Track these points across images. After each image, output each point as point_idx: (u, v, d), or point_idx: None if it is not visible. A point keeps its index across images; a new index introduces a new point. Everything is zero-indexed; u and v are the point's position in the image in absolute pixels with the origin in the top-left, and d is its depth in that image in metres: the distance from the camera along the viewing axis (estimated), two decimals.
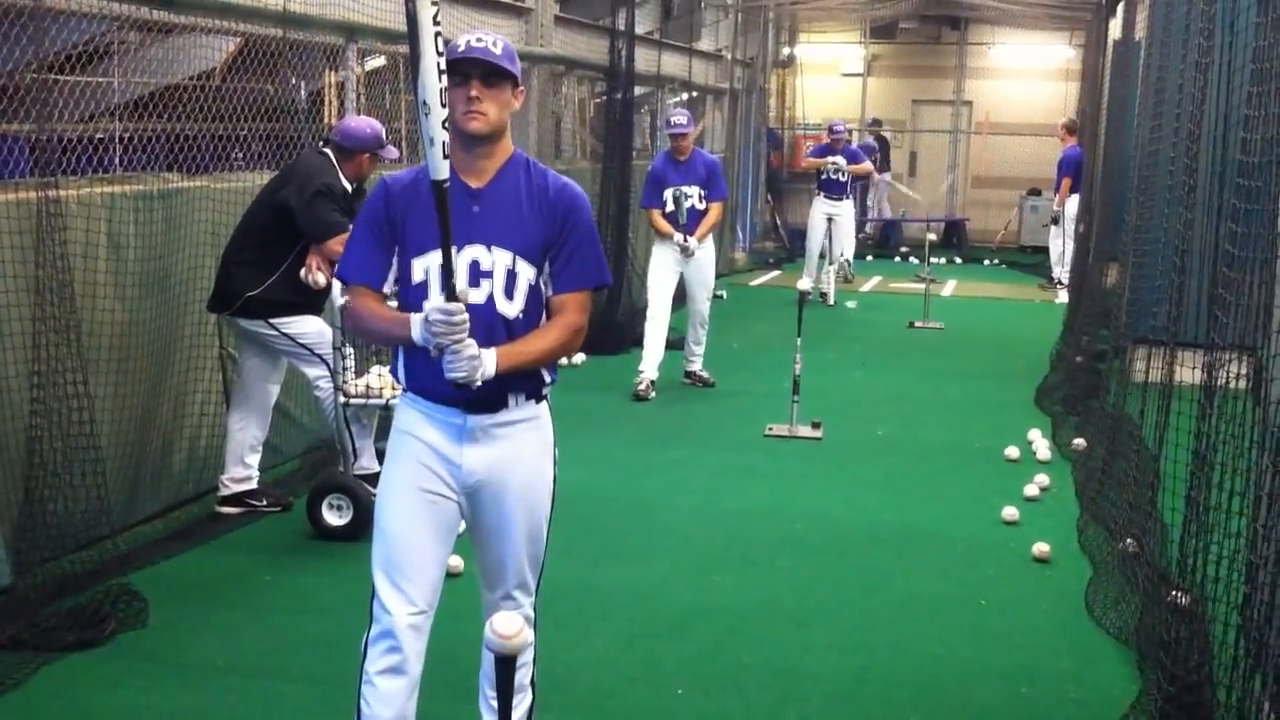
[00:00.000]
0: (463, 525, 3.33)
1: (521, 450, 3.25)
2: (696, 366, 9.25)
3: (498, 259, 3.17)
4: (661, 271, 9.00)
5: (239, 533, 5.80)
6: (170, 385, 5.91)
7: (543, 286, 3.24)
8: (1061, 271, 14.96)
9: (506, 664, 2.43)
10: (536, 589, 3.42)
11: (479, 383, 3.05)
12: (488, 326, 3.13)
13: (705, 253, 9.00)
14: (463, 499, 3.24)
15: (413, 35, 2.83)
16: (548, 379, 3.29)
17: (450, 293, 3.00)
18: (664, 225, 8.88)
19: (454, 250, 3.10)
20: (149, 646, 4.54)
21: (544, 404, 3.32)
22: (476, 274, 3.16)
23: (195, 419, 6.12)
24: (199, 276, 5.99)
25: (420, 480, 3.21)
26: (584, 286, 3.27)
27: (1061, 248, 15.04)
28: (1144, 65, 8.97)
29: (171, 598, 4.93)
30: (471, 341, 3.01)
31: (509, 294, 3.18)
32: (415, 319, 3.08)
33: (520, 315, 3.19)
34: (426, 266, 3.17)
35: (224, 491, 5.98)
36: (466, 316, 2.99)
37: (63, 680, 4.23)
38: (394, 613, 3.15)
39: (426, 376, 3.16)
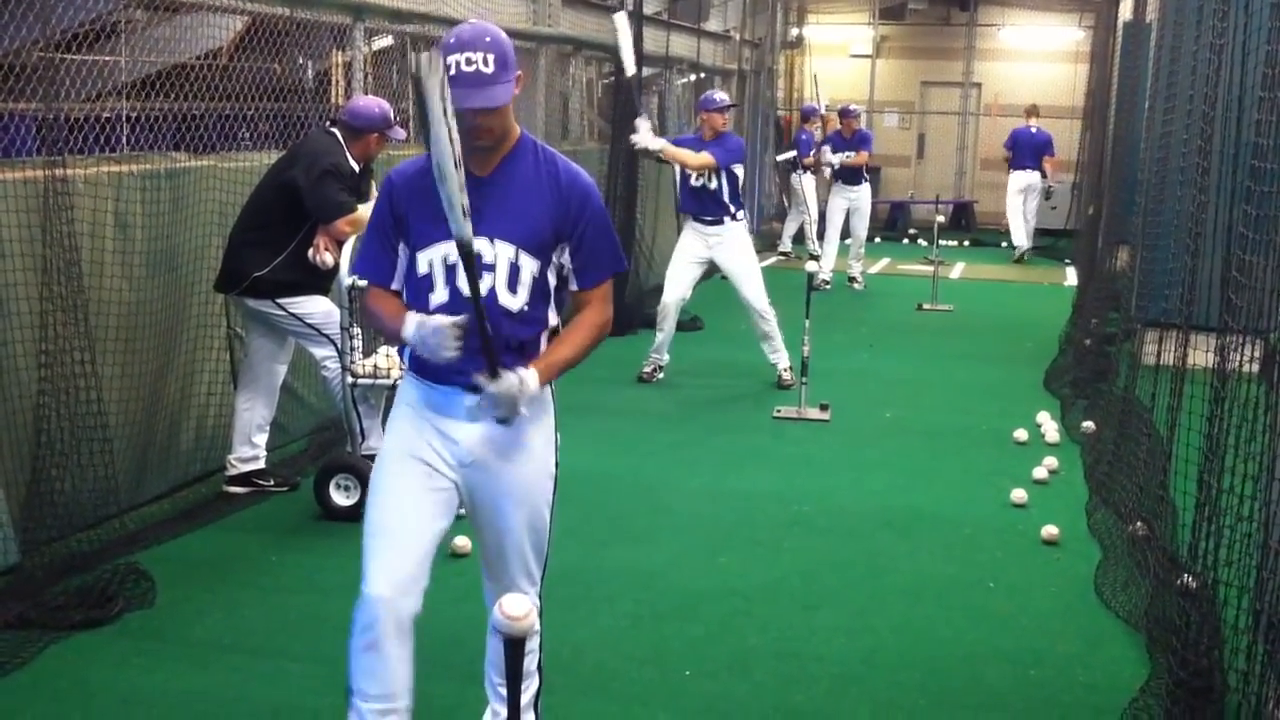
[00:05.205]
0: (464, 509, 3.31)
1: (522, 434, 3.20)
2: (780, 366, 8.65)
3: (500, 252, 3.12)
4: (681, 261, 8.68)
5: (246, 512, 5.80)
6: (177, 365, 5.91)
7: (549, 276, 3.19)
8: (1024, 239, 16.37)
9: (516, 646, 2.42)
10: (541, 577, 3.38)
11: (523, 412, 3.06)
12: (490, 320, 3.06)
13: (732, 236, 8.56)
14: (460, 478, 3.21)
15: (420, 101, 2.76)
16: None
17: (492, 370, 2.98)
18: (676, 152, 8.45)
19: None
20: (156, 626, 4.54)
21: (547, 390, 3.26)
22: (479, 266, 3.08)
23: (202, 399, 6.12)
24: (206, 256, 5.98)
25: (418, 452, 3.18)
26: (605, 279, 3.27)
27: (1016, 218, 16.36)
28: (1155, 47, 8.92)
29: (178, 577, 4.93)
30: (512, 395, 3.00)
31: (512, 287, 3.14)
32: (410, 319, 3.07)
33: (525, 307, 3.16)
34: (431, 259, 3.13)
35: (231, 471, 5.98)
36: (518, 393, 3.00)
37: (69, 659, 4.24)
38: (380, 585, 3.10)
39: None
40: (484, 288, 3.09)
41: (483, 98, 3.01)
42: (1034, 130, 16.27)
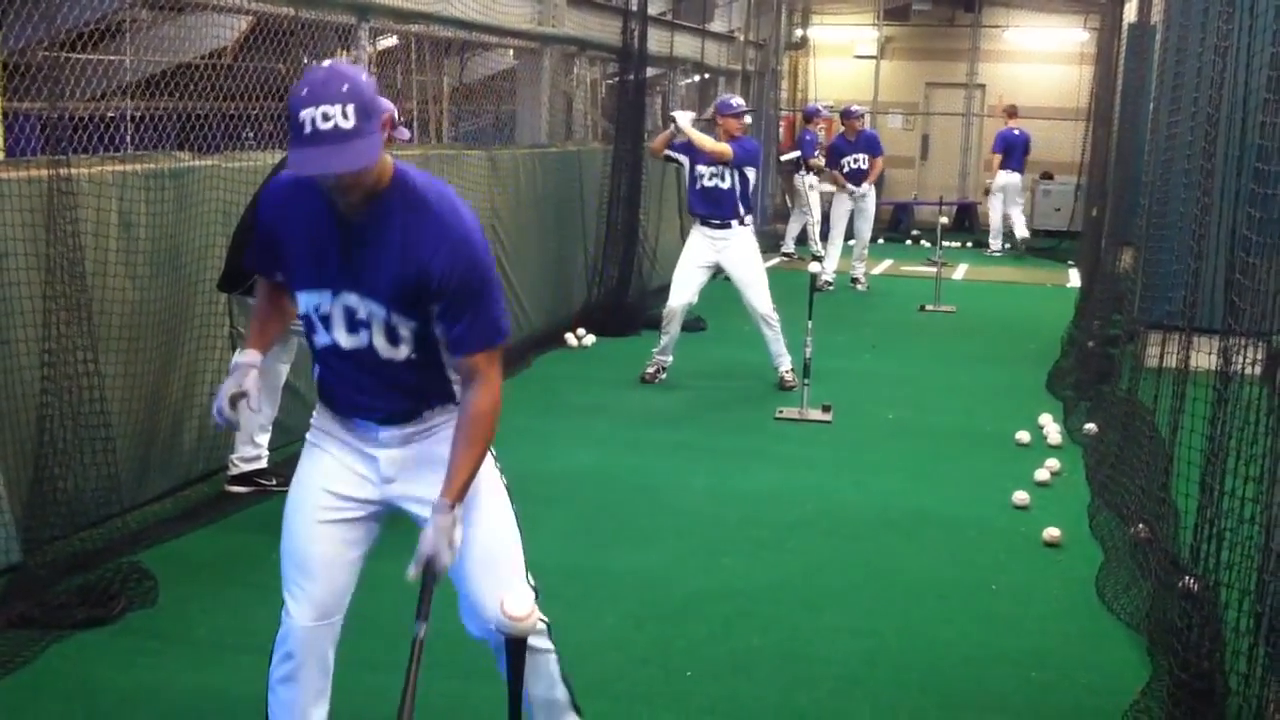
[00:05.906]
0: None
1: (442, 448, 2.93)
2: (783, 369, 8.65)
3: (372, 310, 2.84)
4: (688, 265, 8.65)
5: (248, 512, 5.80)
6: (181, 364, 5.91)
7: (434, 328, 2.88)
8: (998, 243, 17.03)
9: (517, 646, 2.40)
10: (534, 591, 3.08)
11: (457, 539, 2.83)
12: (373, 370, 2.90)
13: (739, 240, 8.52)
14: (383, 494, 3.02)
15: None
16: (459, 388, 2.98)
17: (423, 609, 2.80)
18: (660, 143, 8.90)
19: (330, 295, 2.85)
20: (158, 625, 4.55)
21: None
22: (353, 321, 2.86)
23: (205, 398, 6.11)
24: (210, 255, 5.98)
25: (328, 480, 3.01)
26: (488, 348, 2.89)
27: (999, 220, 16.99)
28: (1160, 49, 8.92)
29: (181, 576, 4.94)
30: (445, 562, 2.80)
31: (392, 342, 2.87)
32: (238, 354, 3.00)
33: (413, 356, 2.90)
34: (309, 304, 2.91)
35: (234, 470, 5.99)
36: (447, 554, 2.80)
37: (72, 658, 4.24)
38: (295, 616, 3.01)
39: (332, 390, 3.01)
40: (361, 341, 2.88)
41: (346, 159, 2.62)
42: (1016, 132, 16.87)
